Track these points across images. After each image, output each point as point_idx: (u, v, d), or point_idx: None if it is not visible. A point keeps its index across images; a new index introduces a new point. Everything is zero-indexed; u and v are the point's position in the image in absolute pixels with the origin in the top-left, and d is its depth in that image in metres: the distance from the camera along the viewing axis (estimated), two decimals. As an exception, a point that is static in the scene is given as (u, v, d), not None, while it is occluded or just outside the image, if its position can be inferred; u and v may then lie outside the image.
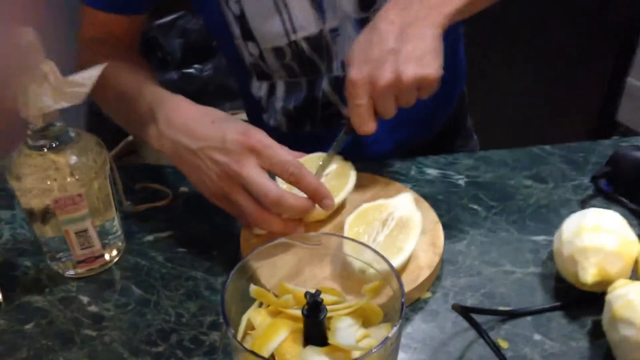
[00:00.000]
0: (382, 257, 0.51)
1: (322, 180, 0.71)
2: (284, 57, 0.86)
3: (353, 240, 0.53)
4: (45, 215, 0.62)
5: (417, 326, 0.61)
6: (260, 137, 0.63)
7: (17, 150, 0.60)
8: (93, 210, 0.64)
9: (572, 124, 2.00)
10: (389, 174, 0.82)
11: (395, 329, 0.45)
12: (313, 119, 0.93)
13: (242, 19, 0.82)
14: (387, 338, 0.44)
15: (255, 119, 0.99)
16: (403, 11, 0.68)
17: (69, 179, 0.60)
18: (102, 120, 2.32)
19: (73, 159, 0.61)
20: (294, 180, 0.64)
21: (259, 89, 0.93)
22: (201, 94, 2.26)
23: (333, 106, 0.91)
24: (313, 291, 0.49)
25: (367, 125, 0.68)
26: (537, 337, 0.60)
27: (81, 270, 0.67)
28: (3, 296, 0.65)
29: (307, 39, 0.83)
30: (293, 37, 0.83)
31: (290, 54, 0.85)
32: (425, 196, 0.75)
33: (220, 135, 0.63)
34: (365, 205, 0.68)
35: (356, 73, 0.66)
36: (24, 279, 0.67)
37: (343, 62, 0.85)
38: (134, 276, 0.67)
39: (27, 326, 0.62)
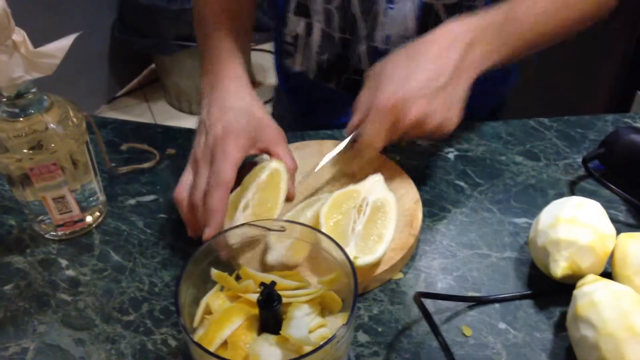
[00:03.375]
0: (339, 246, 0.50)
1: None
2: (331, 1, 0.83)
3: (313, 228, 0.53)
4: (24, 180, 0.63)
5: (384, 307, 0.62)
6: (222, 148, 0.65)
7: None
8: (70, 175, 0.64)
9: (595, 79, 1.93)
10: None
11: (342, 328, 0.45)
12: (339, 78, 0.92)
13: None
14: (332, 337, 0.44)
15: (281, 64, 0.99)
16: (444, 53, 0.66)
17: (43, 147, 0.61)
18: (126, 47, 2.33)
19: (47, 126, 0.61)
20: (207, 191, 0.63)
21: (297, 24, 0.90)
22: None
23: (363, 74, 0.89)
24: (271, 280, 0.50)
25: (376, 148, 0.67)
26: (502, 325, 0.60)
27: (61, 233, 0.68)
28: (-14, 255, 0.67)
29: None
30: None
31: (337, 0, 0.83)
32: (412, 170, 0.74)
33: (210, 130, 0.68)
34: (336, 193, 0.66)
35: (389, 99, 0.64)
36: (7, 238, 0.69)
37: (389, 37, 0.83)
38: (113, 241, 0.69)
39: (7, 287, 0.64)
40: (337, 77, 0.92)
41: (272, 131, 0.70)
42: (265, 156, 0.70)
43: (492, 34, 0.69)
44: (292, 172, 0.68)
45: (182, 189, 0.65)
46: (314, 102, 0.89)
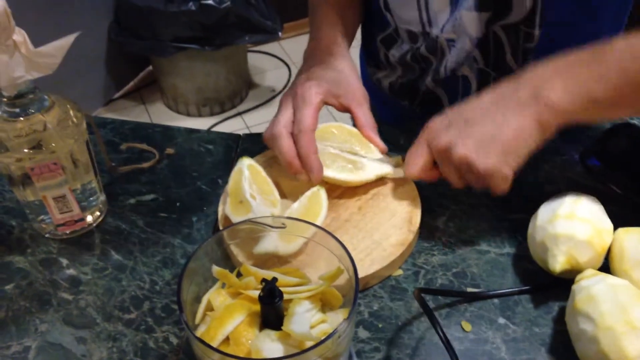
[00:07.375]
0: (341, 243, 0.51)
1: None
2: (417, 40, 0.85)
3: (314, 225, 0.53)
4: (24, 180, 0.63)
5: (384, 304, 0.62)
6: (302, 93, 0.70)
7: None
8: (71, 174, 0.65)
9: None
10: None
11: (342, 324, 0.45)
12: (413, 100, 0.94)
13: None
14: (334, 332, 0.45)
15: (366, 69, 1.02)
16: (511, 86, 0.63)
17: (43, 146, 0.61)
18: (122, 49, 2.34)
19: (47, 125, 0.61)
20: (294, 139, 0.68)
21: (380, 50, 0.93)
22: (220, 25, 2.24)
23: (433, 94, 0.90)
24: (272, 277, 0.50)
25: (412, 168, 0.67)
26: (501, 320, 0.60)
27: (62, 233, 0.68)
28: (-13, 255, 0.67)
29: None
30: (427, 29, 0.82)
31: (422, 40, 0.84)
32: (410, 167, 0.75)
33: (296, 78, 0.75)
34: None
35: (433, 122, 0.66)
36: (8, 238, 0.69)
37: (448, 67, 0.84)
38: (113, 240, 0.69)
39: (8, 286, 0.64)
40: (409, 99, 0.95)
41: (357, 91, 0.73)
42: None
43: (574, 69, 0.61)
44: (372, 130, 0.73)
45: (269, 129, 0.70)
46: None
